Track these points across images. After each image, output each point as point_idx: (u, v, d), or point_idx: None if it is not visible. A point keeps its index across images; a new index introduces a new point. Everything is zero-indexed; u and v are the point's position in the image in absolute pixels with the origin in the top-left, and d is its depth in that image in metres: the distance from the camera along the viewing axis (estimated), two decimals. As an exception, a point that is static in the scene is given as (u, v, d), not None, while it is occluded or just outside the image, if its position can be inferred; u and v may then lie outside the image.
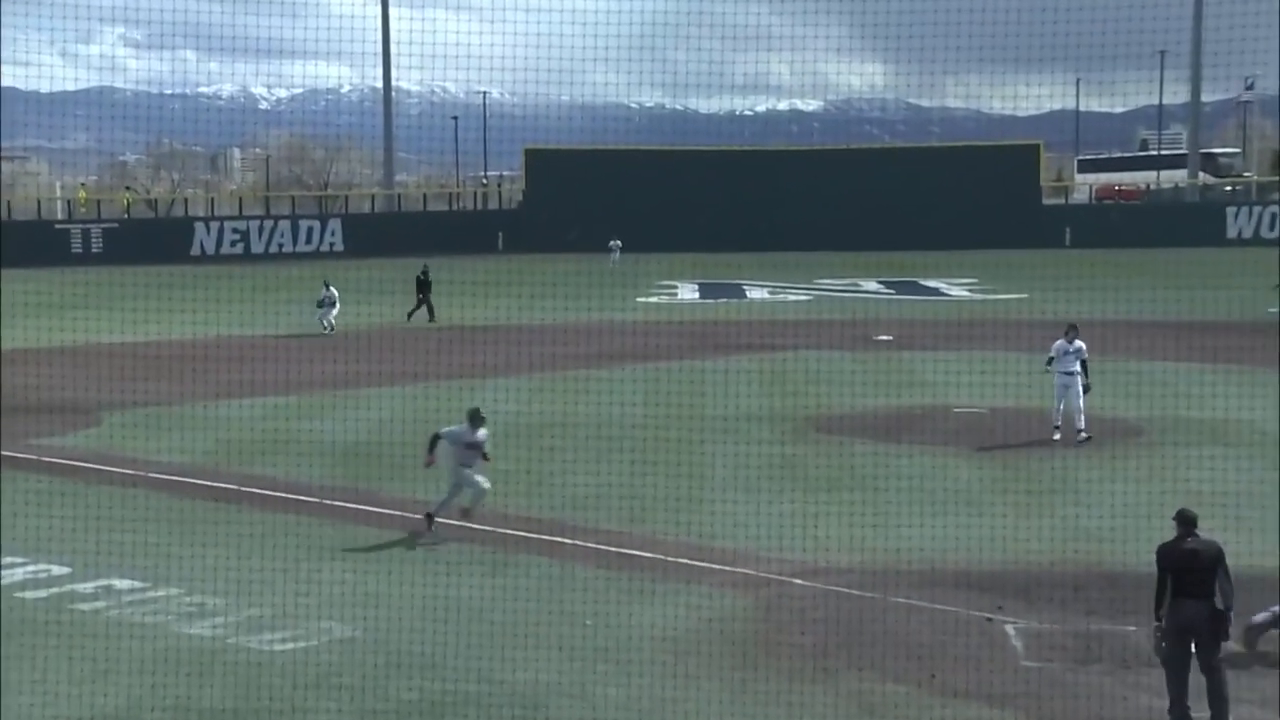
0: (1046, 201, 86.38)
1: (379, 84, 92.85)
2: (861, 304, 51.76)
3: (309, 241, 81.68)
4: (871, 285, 59.35)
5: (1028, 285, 55.55)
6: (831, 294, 55.94)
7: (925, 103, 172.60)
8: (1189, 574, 11.96)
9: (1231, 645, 12.26)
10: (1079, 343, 24.57)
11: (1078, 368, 24.40)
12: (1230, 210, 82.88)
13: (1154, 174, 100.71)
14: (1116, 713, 12.35)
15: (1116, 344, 35.69)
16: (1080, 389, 24.33)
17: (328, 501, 20.64)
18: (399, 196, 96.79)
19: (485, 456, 19.14)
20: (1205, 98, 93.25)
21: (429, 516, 18.82)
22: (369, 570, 16.85)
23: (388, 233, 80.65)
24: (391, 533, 18.95)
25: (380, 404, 28.86)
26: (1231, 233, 79.16)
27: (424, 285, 45.90)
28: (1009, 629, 14.71)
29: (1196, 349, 31.90)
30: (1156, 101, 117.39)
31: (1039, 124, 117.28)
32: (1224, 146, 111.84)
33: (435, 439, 18.92)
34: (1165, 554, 12.16)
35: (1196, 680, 12.01)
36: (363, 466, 23.10)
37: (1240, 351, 31.84)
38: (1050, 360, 24.76)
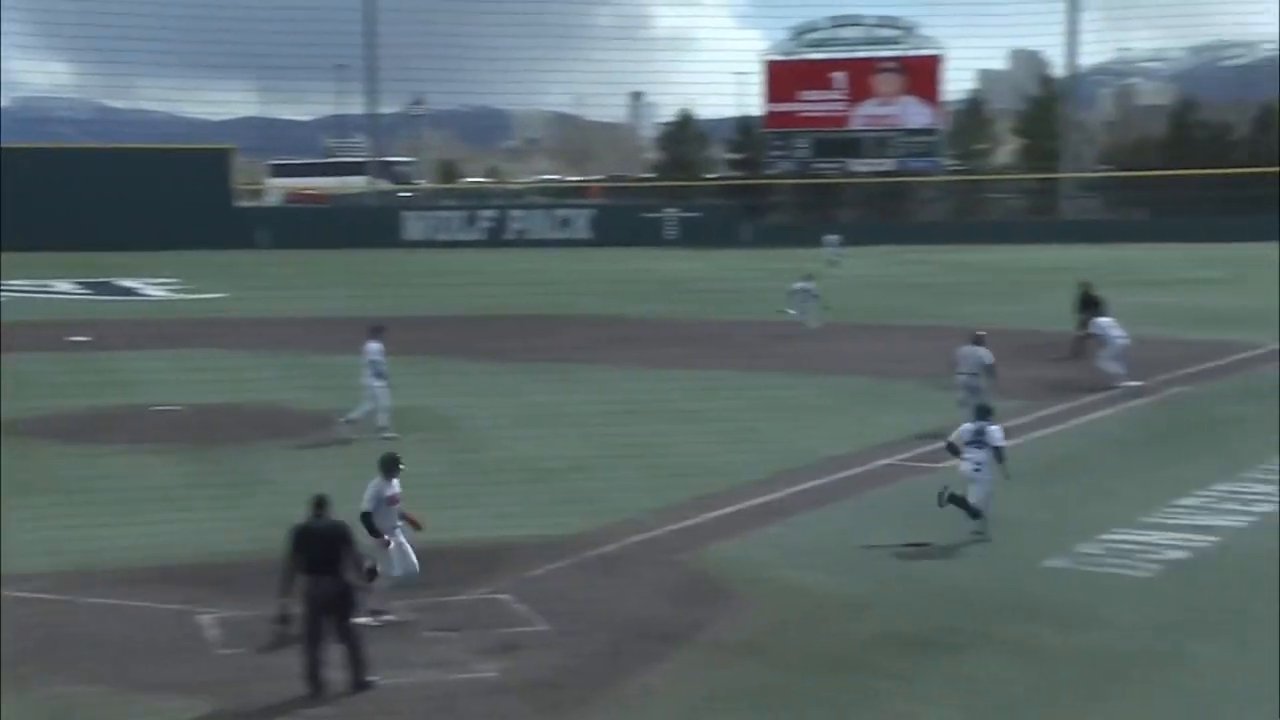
0: (241, 204, 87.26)
1: None
2: (55, 305, 50.07)
3: None
4: (65, 286, 57.29)
5: (227, 285, 55.98)
6: (22, 295, 53.26)
7: (119, 104, 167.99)
8: (316, 551, 13.06)
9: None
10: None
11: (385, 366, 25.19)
12: (405, 215, 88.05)
13: (338, 180, 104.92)
14: (303, 690, 13.07)
15: (304, 340, 37.34)
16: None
17: None
18: None
19: (407, 518, 15.12)
20: (384, 110, 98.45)
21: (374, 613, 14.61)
22: None
23: None
24: None
25: None
26: (407, 235, 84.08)
27: None
28: (205, 619, 15.04)
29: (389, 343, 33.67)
30: (341, 112, 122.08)
31: (232, 129, 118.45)
32: (401, 156, 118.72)
33: (368, 517, 14.75)
34: (296, 534, 13.26)
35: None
36: None
37: (420, 343, 34.02)
38: (372, 362, 25.11)
